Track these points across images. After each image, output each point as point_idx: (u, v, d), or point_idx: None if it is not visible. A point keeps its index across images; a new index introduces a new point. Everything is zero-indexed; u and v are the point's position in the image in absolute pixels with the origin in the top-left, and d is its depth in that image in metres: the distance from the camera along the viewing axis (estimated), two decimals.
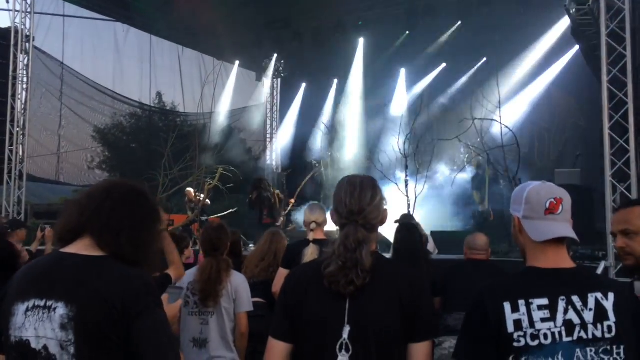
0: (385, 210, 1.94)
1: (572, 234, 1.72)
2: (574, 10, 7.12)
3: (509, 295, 1.66)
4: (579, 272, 1.75)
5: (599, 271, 6.32)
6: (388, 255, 5.19)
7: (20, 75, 10.93)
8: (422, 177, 11.06)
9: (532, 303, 1.64)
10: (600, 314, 1.64)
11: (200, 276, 3.67)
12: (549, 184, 1.79)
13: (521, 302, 1.64)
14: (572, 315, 1.63)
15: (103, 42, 13.74)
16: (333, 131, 15.23)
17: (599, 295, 1.66)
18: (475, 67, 13.96)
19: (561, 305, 1.64)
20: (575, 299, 1.65)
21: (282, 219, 11.30)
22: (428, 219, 9.83)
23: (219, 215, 11.78)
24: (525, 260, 1.82)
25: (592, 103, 9.83)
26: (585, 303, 1.65)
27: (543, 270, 1.71)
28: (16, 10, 10.91)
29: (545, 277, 1.70)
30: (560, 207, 1.73)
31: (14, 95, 10.82)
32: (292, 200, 11.02)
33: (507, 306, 1.64)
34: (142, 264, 1.79)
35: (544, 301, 1.64)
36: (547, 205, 1.72)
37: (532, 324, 1.62)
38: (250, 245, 8.59)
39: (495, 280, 1.83)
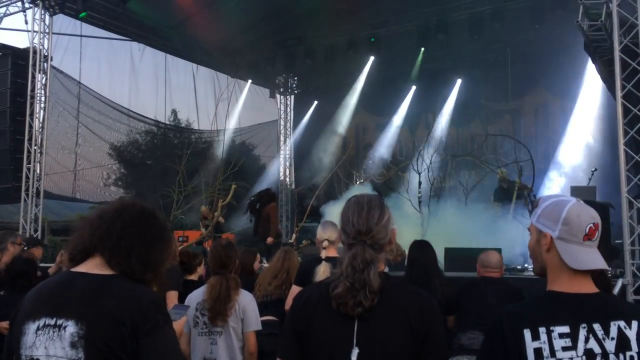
0: (393, 229, 1.93)
1: (606, 265, 1.67)
2: (586, 26, 7.09)
3: (529, 322, 1.60)
4: (601, 298, 1.67)
5: (616, 289, 6.22)
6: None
7: (38, 94, 11.12)
8: (435, 192, 11.03)
9: (553, 331, 1.58)
10: (623, 344, 1.57)
11: (209, 294, 3.67)
12: (584, 204, 1.70)
13: (542, 330, 1.58)
14: (593, 344, 1.56)
15: (119, 61, 13.94)
16: (346, 147, 15.28)
17: (622, 323, 1.59)
18: (489, 83, 13.93)
19: (582, 333, 1.57)
20: (596, 327, 1.58)
21: (294, 235, 11.28)
22: (442, 235, 9.76)
23: (233, 231, 11.83)
24: (536, 273, 1.76)
25: (607, 118, 9.77)
26: (607, 332, 1.58)
27: (564, 296, 1.65)
28: (35, 31, 11.13)
29: (567, 303, 1.63)
30: (597, 233, 1.66)
31: (31, 114, 11.00)
32: (270, 240, 10.70)
33: (527, 334, 1.58)
34: (151, 283, 1.82)
35: (565, 329, 1.58)
36: (587, 230, 1.64)
37: (553, 352, 1.55)
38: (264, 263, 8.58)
39: (515, 306, 1.75)
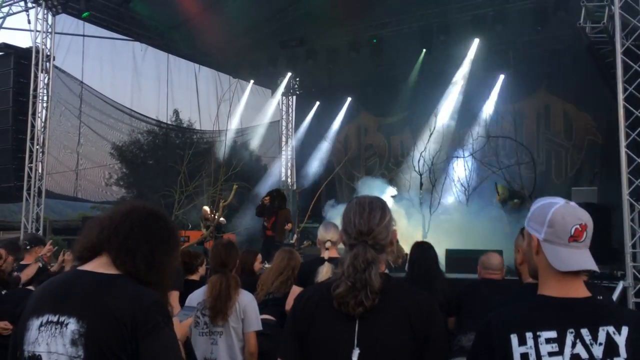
0: (394, 230, 1.95)
1: (594, 266, 1.65)
2: (588, 28, 7.09)
3: (516, 327, 1.60)
4: (591, 303, 1.66)
5: (617, 292, 6.21)
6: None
7: (40, 94, 11.15)
8: (436, 194, 11.03)
9: (539, 336, 1.57)
10: (611, 349, 1.56)
11: (210, 292, 3.68)
12: (573, 206, 1.69)
13: (529, 335, 1.57)
14: (580, 349, 1.55)
15: (121, 61, 13.95)
16: (348, 149, 15.30)
17: (611, 329, 1.58)
18: (491, 84, 13.92)
19: (569, 338, 1.56)
20: (584, 332, 1.57)
21: (296, 235, 11.28)
22: (443, 237, 9.77)
23: (234, 232, 11.83)
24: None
25: (609, 120, 9.76)
26: (595, 337, 1.57)
27: (553, 300, 1.64)
28: (37, 31, 11.16)
29: (555, 308, 1.63)
30: (585, 235, 1.65)
31: (34, 114, 11.02)
32: (290, 225, 10.84)
33: (514, 339, 1.58)
34: (156, 284, 1.82)
35: (552, 334, 1.57)
36: (572, 232, 1.64)
37: (539, 358, 1.55)
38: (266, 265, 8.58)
39: (503, 310, 1.74)
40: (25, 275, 5.33)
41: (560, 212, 1.66)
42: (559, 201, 1.71)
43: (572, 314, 1.61)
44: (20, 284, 5.16)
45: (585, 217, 1.67)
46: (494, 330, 1.63)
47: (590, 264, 1.65)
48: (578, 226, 1.64)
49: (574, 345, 1.56)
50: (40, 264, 5.56)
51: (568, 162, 13.36)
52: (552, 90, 13.53)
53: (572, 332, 1.57)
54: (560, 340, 1.57)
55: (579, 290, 1.66)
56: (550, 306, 1.64)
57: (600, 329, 1.58)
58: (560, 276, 1.65)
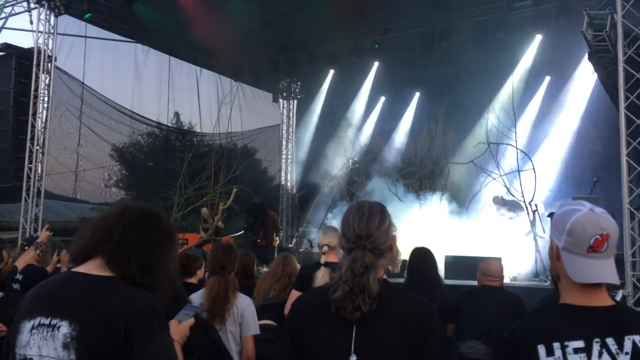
0: (394, 235, 1.93)
1: (614, 279, 1.60)
2: (590, 36, 7.10)
3: (543, 337, 1.56)
4: (616, 312, 1.62)
5: (617, 300, 6.20)
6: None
7: (41, 94, 11.15)
8: (436, 199, 11.03)
9: (567, 346, 1.54)
10: (637, 359, 1.53)
11: (208, 294, 3.66)
12: (597, 213, 1.62)
13: (556, 345, 1.54)
14: (606, 358, 1.53)
15: (123, 63, 13.96)
16: (350, 153, 15.30)
17: (637, 338, 1.55)
18: (492, 91, 13.91)
19: (595, 348, 1.54)
20: (610, 341, 1.55)
21: (294, 239, 11.28)
22: (442, 243, 9.74)
23: (232, 235, 11.82)
24: (555, 283, 1.73)
25: (610, 129, 9.74)
26: (621, 346, 1.54)
27: (578, 309, 1.61)
28: (39, 32, 11.17)
29: (580, 317, 1.59)
30: (606, 245, 1.58)
31: (34, 114, 11.02)
32: (277, 241, 10.84)
33: (542, 350, 1.54)
34: (150, 286, 1.77)
35: (580, 343, 1.54)
36: (592, 242, 1.58)
37: None
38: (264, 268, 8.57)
39: (527, 320, 1.72)
40: (23, 261, 5.28)
41: (580, 221, 1.61)
42: (583, 208, 1.65)
43: (597, 323, 1.58)
44: (17, 272, 5.13)
45: (609, 226, 1.60)
46: (520, 341, 1.59)
47: (609, 277, 1.60)
48: (598, 236, 1.58)
49: (600, 354, 1.53)
50: (38, 251, 5.52)
51: (568, 170, 13.33)
52: (554, 97, 13.50)
53: (598, 342, 1.54)
54: (587, 350, 1.54)
55: (603, 299, 1.63)
56: (575, 315, 1.60)
57: (626, 338, 1.55)
58: (582, 285, 1.61)
